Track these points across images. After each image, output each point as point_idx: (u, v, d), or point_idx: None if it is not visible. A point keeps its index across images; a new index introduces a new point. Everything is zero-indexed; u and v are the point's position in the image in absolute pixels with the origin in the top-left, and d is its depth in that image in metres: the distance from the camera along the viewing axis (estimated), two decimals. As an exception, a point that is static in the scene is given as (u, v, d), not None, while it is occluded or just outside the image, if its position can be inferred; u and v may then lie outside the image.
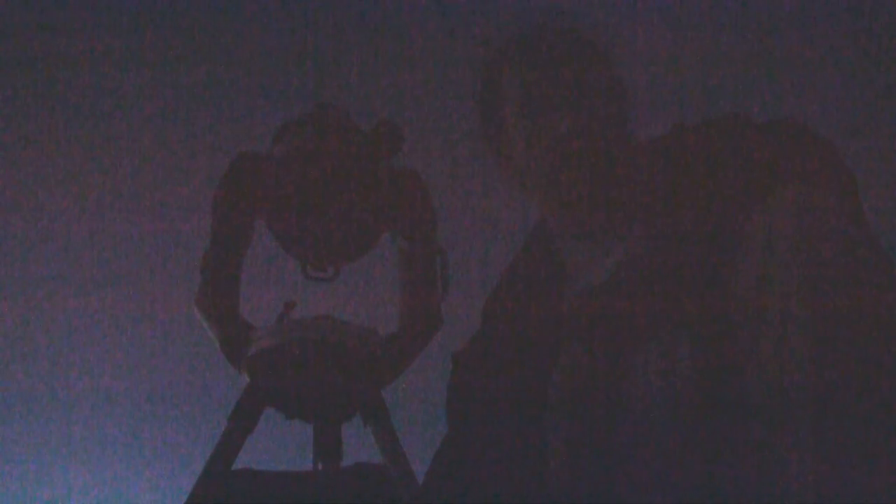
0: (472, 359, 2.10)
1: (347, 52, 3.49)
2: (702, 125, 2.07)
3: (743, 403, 1.81)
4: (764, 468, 1.75)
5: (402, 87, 3.41)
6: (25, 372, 3.50)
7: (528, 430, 1.98)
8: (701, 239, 1.93)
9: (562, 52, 2.10)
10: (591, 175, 2.05)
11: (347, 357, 1.81)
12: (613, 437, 1.93)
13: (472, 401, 2.07)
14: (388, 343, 1.85)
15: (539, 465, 1.97)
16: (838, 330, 1.73)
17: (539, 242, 2.22)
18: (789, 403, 1.73)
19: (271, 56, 3.52)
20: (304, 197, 1.86)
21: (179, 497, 1.76)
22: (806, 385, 1.72)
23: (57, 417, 3.49)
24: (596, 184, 2.06)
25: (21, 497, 3.46)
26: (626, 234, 2.10)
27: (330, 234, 1.87)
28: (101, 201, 3.52)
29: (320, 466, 1.81)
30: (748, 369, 1.80)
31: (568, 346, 2.03)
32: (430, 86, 3.36)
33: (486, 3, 3.22)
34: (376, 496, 1.79)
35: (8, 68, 3.53)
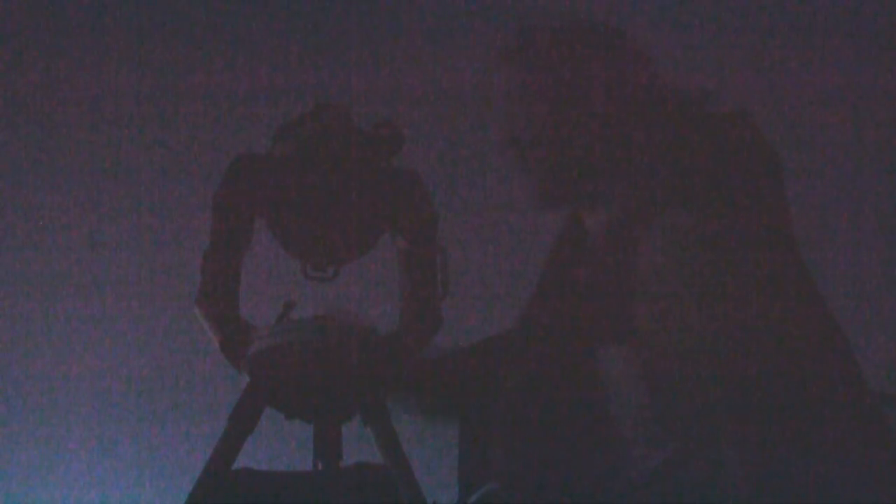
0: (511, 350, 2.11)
1: (347, 52, 3.49)
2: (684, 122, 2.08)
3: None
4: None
5: (402, 87, 3.41)
6: (25, 372, 3.49)
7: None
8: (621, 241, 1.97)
9: (559, 50, 2.10)
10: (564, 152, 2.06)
11: (347, 357, 1.80)
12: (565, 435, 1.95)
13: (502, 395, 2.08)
14: (388, 343, 1.85)
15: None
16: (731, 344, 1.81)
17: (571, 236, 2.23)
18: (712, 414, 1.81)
19: (271, 56, 3.52)
20: (304, 197, 1.86)
21: (179, 497, 1.76)
22: (720, 394, 1.82)
23: (57, 417, 3.49)
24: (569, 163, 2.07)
25: (21, 498, 3.46)
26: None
27: (330, 234, 1.87)
28: (102, 201, 3.52)
29: (320, 466, 1.81)
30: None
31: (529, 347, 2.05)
32: (430, 86, 3.36)
33: (487, 3, 3.22)
34: (376, 496, 1.78)
35: (8, 68, 3.53)
